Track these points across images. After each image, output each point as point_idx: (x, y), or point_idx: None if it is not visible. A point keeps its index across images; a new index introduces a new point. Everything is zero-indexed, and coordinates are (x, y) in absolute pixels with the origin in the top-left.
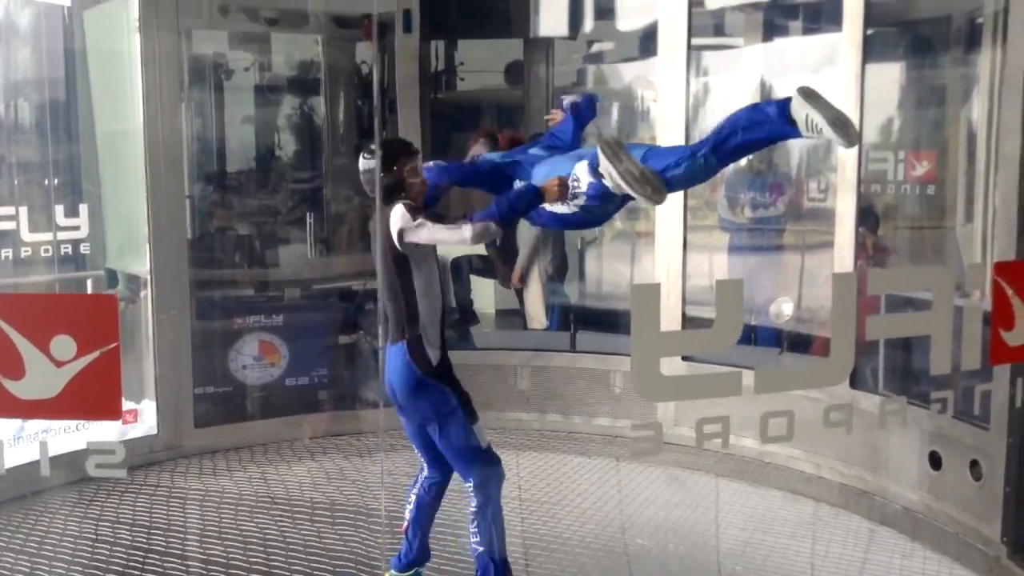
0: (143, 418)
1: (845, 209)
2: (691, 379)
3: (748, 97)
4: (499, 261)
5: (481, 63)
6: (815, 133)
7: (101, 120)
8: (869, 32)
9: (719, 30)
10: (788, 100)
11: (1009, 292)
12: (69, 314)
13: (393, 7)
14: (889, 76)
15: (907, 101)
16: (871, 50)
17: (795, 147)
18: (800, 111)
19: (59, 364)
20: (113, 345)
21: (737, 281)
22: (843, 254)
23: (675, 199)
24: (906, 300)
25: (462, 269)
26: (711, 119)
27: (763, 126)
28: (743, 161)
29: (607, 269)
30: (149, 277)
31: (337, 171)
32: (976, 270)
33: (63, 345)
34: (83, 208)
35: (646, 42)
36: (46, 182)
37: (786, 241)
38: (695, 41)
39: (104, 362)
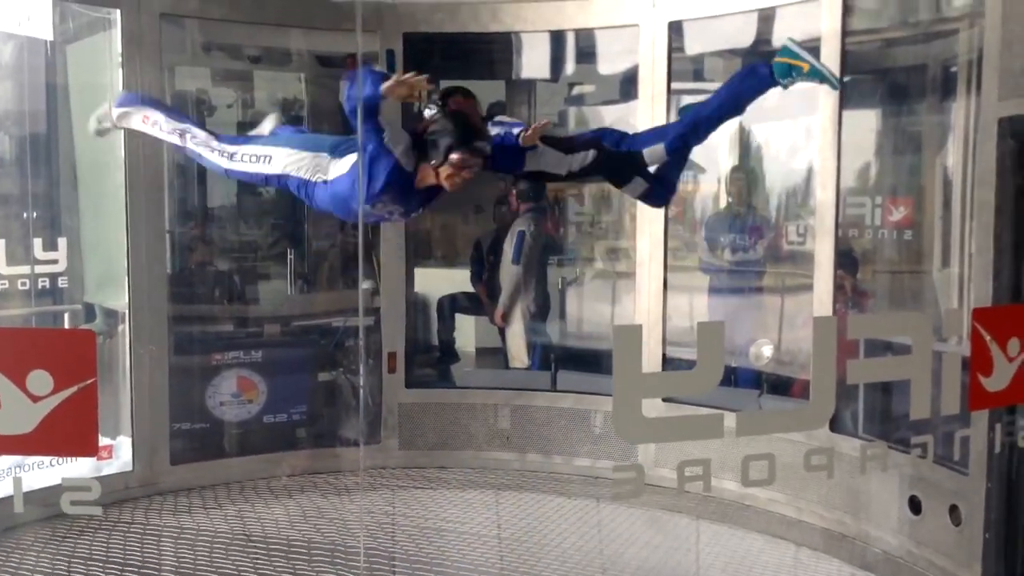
0: (119, 454)
1: (823, 253)
2: (672, 421)
3: (728, 141)
4: (486, 298)
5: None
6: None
7: (82, 153)
8: (846, 79)
9: (699, 75)
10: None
11: (987, 338)
12: (46, 349)
13: (376, 47)
14: (866, 123)
15: (884, 147)
16: (848, 97)
17: (774, 189)
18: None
19: (35, 399)
20: (90, 381)
21: (718, 324)
22: (822, 298)
23: (656, 240)
24: (885, 344)
25: (445, 307)
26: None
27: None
28: (723, 203)
29: (588, 309)
30: (127, 312)
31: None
32: (954, 315)
33: (39, 380)
34: (61, 241)
35: (627, 85)
36: (24, 215)
37: (766, 283)
38: (675, 85)
39: (81, 398)
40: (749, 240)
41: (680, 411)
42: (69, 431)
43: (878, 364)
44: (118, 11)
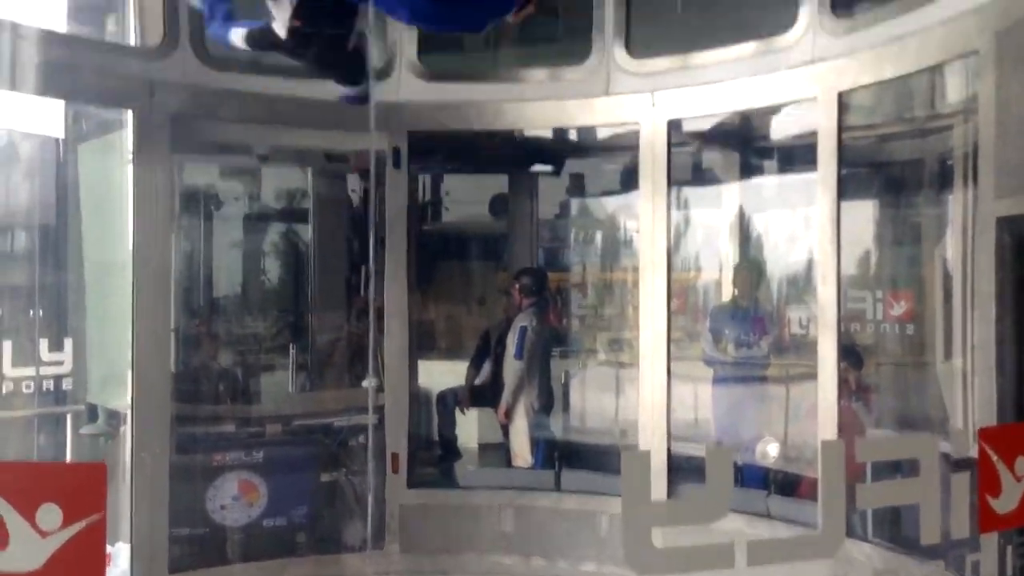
0: (117, 562)
1: (827, 348)
2: (684, 551)
3: (728, 229)
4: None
5: (466, 195)
6: None
7: (90, 250)
8: (843, 172)
9: (698, 168)
10: None
11: (994, 458)
12: (57, 482)
13: (384, 145)
14: (864, 216)
15: (883, 240)
16: (846, 189)
17: (775, 278)
18: None
19: (44, 535)
20: (99, 516)
21: (726, 452)
22: (826, 394)
23: (659, 333)
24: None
25: (447, 401)
26: (693, 249)
27: None
28: (725, 293)
29: (592, 401)
30: (130, 412)
31: (324, 300)
32: (959, 435)
33: (49, 514)
34: (68, 342)
35: (628, 177)
36: (31, 312)
37: (770, 374)
38: (675, 178)
39: (90, 533)
40: (754, 336)
41: (690, 534)
42: (77, 568)
43: (887, 488)
44: (130, 111)
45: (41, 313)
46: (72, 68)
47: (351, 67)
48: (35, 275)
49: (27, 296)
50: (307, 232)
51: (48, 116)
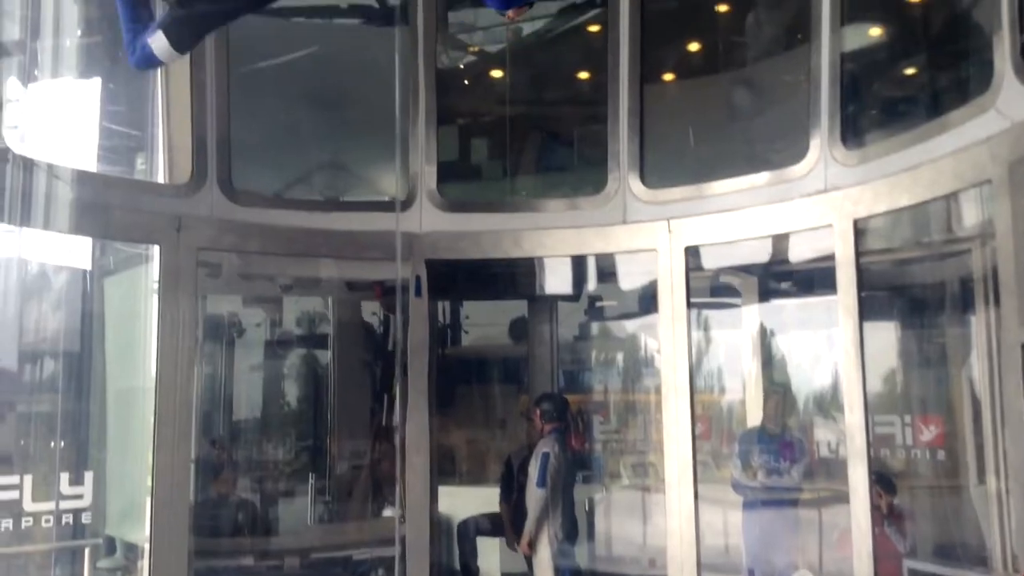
0: None
1: (857, 476)
2: None
3: (750, 350)
4: (508, 521)
5: (486, 319)
6: None
7: (114, 380)
8: (864, 296)
9: (718, 290)
10: None
11: None
12: None
13: (406, 273)
14: (887, 338)
15: (908, 363)
16: (867, 313)
17: (800, 397)
18: None
19: None
20: None
21: None
22: (860, 522)
23: (684, 461)
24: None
25: (468, 530)
26: (715, 369)
27: None
28: (752, 418)
29: (617, 527)
30: (148, 545)
31: (344, 426)
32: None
33: None
34: (88, 476)
35: (647, 301)
36: (52, 444)
37: (802, 498)
38: (694, 299)
39: None
40: (783, 462)
41: None
42: None
43: None
44: (157, 247)
45: (63, 444)
46: (102, 207)
47: None
48: (58, 404)
49: (50, 426)
50: (327, 358)
51: (76, 249)
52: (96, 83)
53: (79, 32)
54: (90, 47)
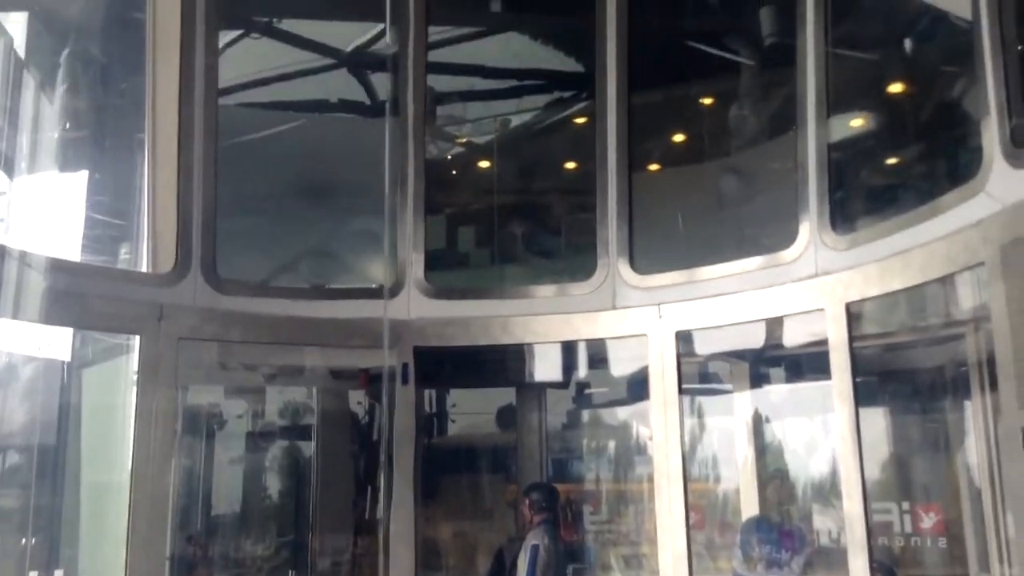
0: None
1: (858, 567)
2: None
3: (744, 437)
4: None
5: (473, 407)
6: None
7: (88, 472)
8: (859, 380)
9: (710, 376)
10: None
11: None
12: None
13: (393, 360)
14: (883, 423)
15: (905, 449)
16: (862, 398)
17: (798, 484)
18: None
19: None
20: None
21: None
22: None
23: (679, 546)
24: None
25: None
26: (709, 457)
27: None
28: (747, 506)
29: None
30: None
31: (326, 520)
32: None
33: None
34: (58, 574)
35: (638, 388)
36: (23, 540)
37: None
38: (686, 385)
39: None
40: (785, 553)
41: None
42: None
43: None
44: (138, 337)
45: (33, 541)
46: (81, 296)
47: None
48: (30, 499)
49: (20, 521)
50: (311, 449)
51: (55, 339)
52: (82, 175)
53: (66, 124)
54: (76, 140)
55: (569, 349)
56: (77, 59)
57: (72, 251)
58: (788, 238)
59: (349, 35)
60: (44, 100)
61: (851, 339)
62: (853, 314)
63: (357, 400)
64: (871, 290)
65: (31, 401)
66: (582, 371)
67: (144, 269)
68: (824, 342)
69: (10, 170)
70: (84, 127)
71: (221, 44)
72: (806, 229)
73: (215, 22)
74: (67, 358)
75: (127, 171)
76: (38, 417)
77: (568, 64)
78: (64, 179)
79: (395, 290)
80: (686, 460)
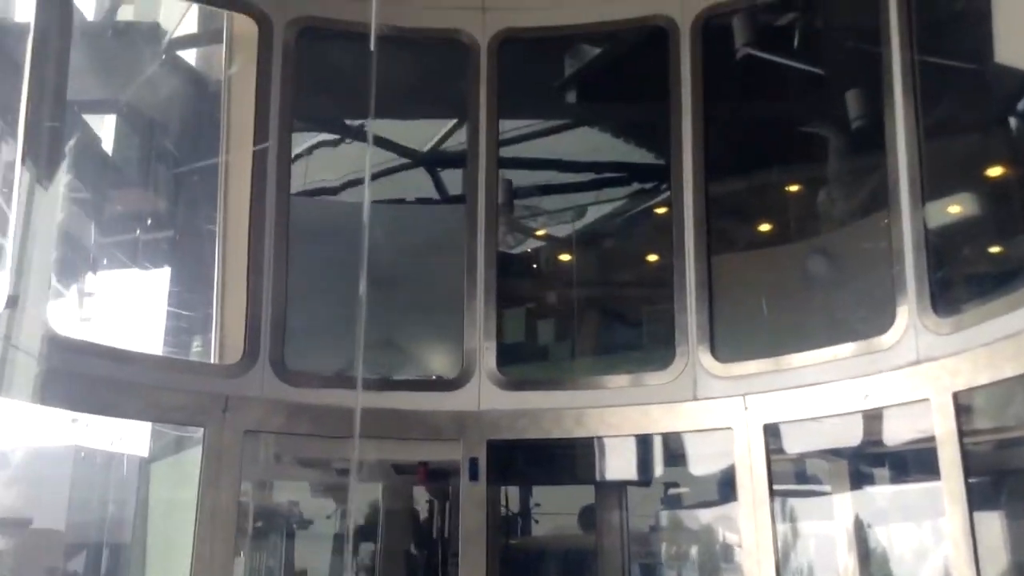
0: None
1: None
2: None
3: (844, 543)
4: None
5: (552, 507)
6: None
7: (152, 571)
8: (972, 481)
9: (802, 476)
10: None
11: None
12: None
13: (458, 455)
14: (1000, 528)
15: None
16: (977, 499)
17: None
18: None
19: None
20: None
21: None
22: None
23: None
24: None
25: None
26: (804, 562)
27: None
28: None
29: None
30: None
31: None
32: None
33: None
34: None
35: (725, 486)
36: None
37: None
38: (777, 485)
39: None
40: None
41: None
42: None
43: None
44: (202, 429)
45: None
46: (148, 388)
47: None
48: None
49: None
50: (375, 551)
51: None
52: (157, 267)
53: (148, 222)
54: (154, 235)
55: (647, 443)
56: (157, 156)
57: (142, 343)
58: (884, 322)
59: (420, 132)
60: (124, 195)
61: (961, 433)
62: (962, 405)
63: (424, 498)
64: (980, 378)
65: (100, 495)
66: (662, 467)
67: (212, 360)
68: (931, 437)
69: (95, 267)
70: (161, 221)
71: (298, 148)
72: (904, 312)
73: (288, 119)
74: (139, 452)
75: (198, 262)
76: (111, 512)
77: (646, 155)
78: (140, 274)
79: (464, 380)
80: (779, 569)
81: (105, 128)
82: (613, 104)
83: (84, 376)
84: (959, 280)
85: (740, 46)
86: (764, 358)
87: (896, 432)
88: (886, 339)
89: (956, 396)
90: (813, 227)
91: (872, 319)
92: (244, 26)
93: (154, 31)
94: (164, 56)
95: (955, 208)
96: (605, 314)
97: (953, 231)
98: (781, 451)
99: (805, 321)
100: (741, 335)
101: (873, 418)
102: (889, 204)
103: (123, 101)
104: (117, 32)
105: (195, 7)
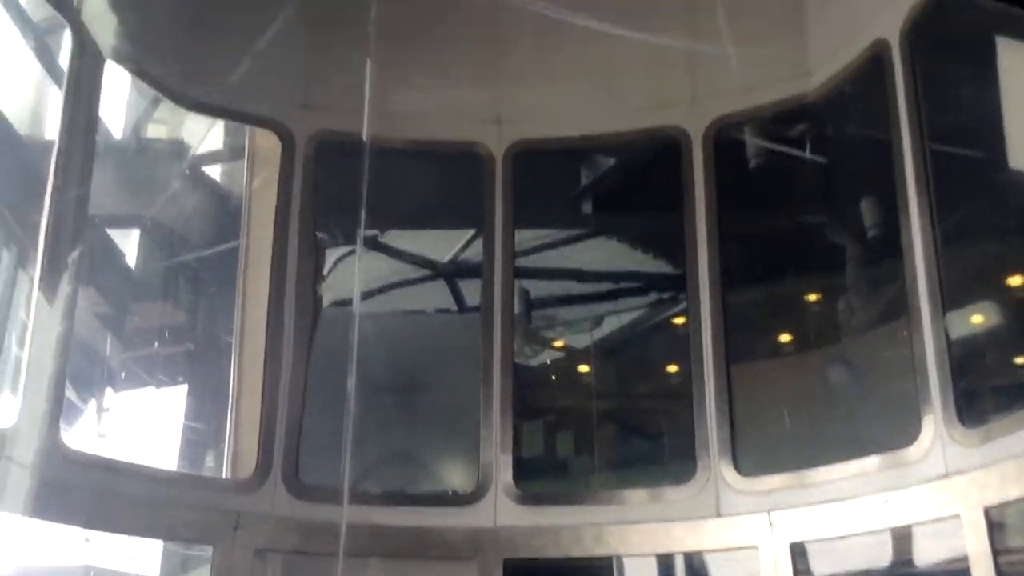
0: None
1: None
2: None
3: None
4: None
5: None
6: None
7: None
8: None
9: None
10: None
11: None
12: None
13: (474, 574)
14: None
15: None
16: None
17: None
18: None
19: None
20: None
21: None
22: None
23: None
24: None
25: None
26: None
27: None
28: None
29: None
30: None
31: None
32: None
33: None
34: None
35: None
36: None
37: None
38: None
39: None
40: None
41: None
42: None
43: None
44: (211, 547)
45: None
46: (157, 504)
47: None
48: None
49: None
50: None
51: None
52: (172, 381)
53: (167, 335)
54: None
55: (670, 563)
56: (178, 269)
57: (154, 457)
58: (910, 433)
59: (437, 243)
60: (145, 308)
61: (995, 551)
62: (994, 521)
63: None
64: (1012, 491)
65: None
66: None
67: (224, 475)
68: (963, 556)
69: (111, 380)
70: (180, 334)
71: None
72: (930, 423)
73: (309, 231)
74: (150, 572)
75: (214, 375)
76: None
77: (662, 264)
78: (156, 386)
79: (480, 495)
80: None
81: (128, 242)
82: (628, 214)
83: (93, 491)
84: (985, 390)
85: (752, 155)
86: (788, 472)
87: (927, 550)
88: (913, 452)
89: (988, 512)
90: (833, 336)
91: (897, 430)
92: (266, 141)
93: (178, 147)
94: (188, 171)
95: (977, 318)
96: (624, 426)
97: (976, 340)
98: (808, 571)
99: (828, 432)
100: (763, 447)
101: (903, 535)
102: (909, 313)
103: (147, 216)
104: (142, 149)
105: (219, 124)
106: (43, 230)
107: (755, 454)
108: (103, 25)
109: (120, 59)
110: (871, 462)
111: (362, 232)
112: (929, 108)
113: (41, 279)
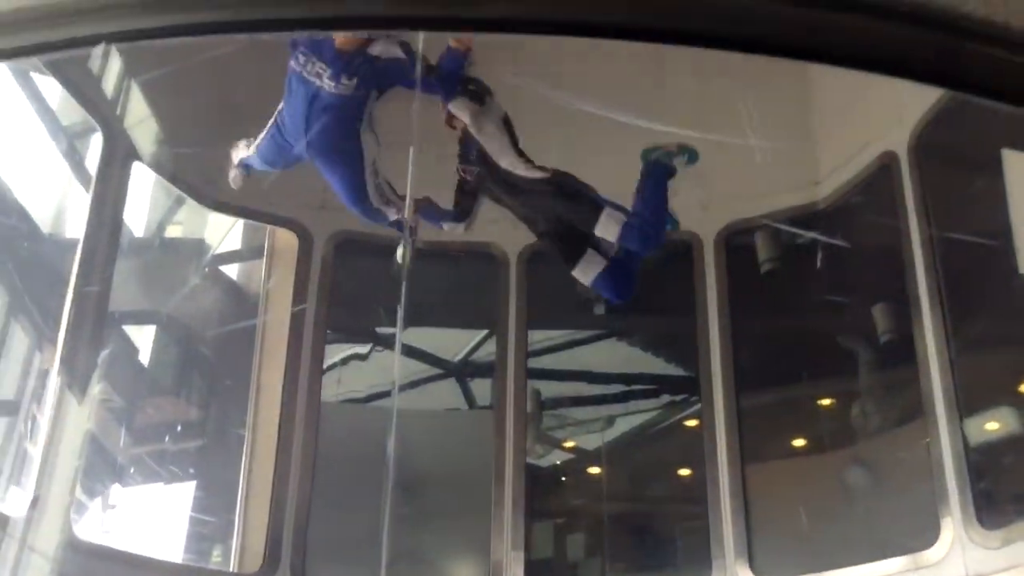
0: None
1: None
2: None
3: None
4: None
5: None
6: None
7: None
8: None
9: None
10: None
11: None
12: None
13: None
14: None
15: None
16: None
17: None
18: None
19: None
20: None
21: None
22: None
23: None
24: None
25: None
26: None
27: None
28: None
29: None
30: None
31: None
32: None
33: None
34: None
35: None
36: None
37: None
38: None
39: None
40: None
41: None
42: None
43: None
44: None
45: None
46: None
47: None
48: None
49: None
50: None
51: None
52: (182, 474)
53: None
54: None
55: None
56: (192, 365)
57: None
58: (930, 536)
59: (451, 342)
60: (157, 403)
61: None
62: None
63: None
64: None
65: None
66: None
67: (232, 568)
68: None
69: (121, 474)
70: (191, 429)
71: (332, 358)
72: (949, 525)
73: (322, 329)
74: None
75: (224, 468)
76: None
77: (675, 366)
78: (166, 479)
79: None
80: None
81: (144, 338)
82: (642, 316)
83: None
84: (1004, 492)
85: (764, 260)
86: (806, 574)
87: None
88: (932, 554)
89: None
90: (848, 438)
91: (916, 532)
92: (285, 240)
93: (198, 246)
94: (207, 270)
95: (993, 424)
96: (636, 528)
97: (993, 444)
98: None
99: (846, 533)
100: (781, 549)
101: None
102: (926, 416)
103: (164, 312)
104: (163, 247)
105: (240, 223)
106: (63, 326)
107: (772, 555)
108: (143, 132)
109: (156, 164)
110: (892, 564)
111: (400, 331)
112: (938, 217)
113: (59, 373)
